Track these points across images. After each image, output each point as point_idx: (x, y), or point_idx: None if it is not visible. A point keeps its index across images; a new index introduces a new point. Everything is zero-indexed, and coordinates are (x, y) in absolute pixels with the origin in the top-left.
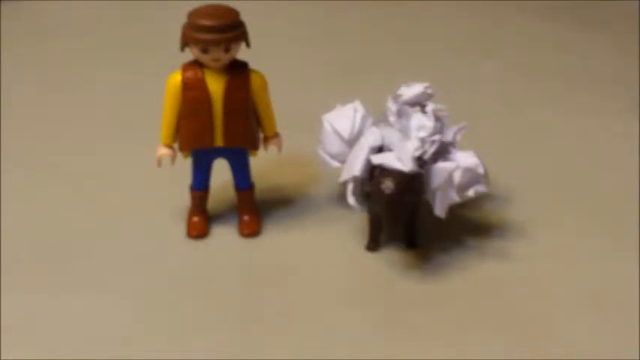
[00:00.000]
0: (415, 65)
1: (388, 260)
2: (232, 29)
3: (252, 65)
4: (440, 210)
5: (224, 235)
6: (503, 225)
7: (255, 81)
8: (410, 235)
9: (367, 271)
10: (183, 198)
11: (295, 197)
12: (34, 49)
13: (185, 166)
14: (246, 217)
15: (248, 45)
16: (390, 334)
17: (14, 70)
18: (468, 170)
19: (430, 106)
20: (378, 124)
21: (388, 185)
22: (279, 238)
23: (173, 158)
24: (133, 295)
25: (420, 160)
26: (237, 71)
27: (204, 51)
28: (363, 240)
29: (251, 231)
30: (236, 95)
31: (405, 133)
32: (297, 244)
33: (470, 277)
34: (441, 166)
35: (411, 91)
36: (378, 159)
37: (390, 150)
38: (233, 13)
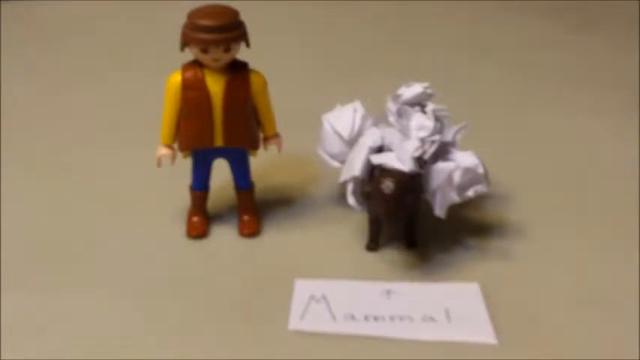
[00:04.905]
0: (415, 65)
1: (388, 260)
2: (232, 29)
3: (252, 65)
4: (440, 210)
5: (224, 235)
6: (503, 225)
7: (255, 81)
8: (410, 235)
9: (367, 271)
10: (183, 198)
11: (295, 197)
12: (34, 50)
13: (185, 166)
14: (246, 217)
15: (248, 45)
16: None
17: (14, 70)
18: (467, 170)
19: (430, 106)
20: (378, 124)
21: (388, 185)
22: (279, 238)
23: (173, 158)
24: (133, 295)
25: (420, 160)
26: (237, 71)
27: (204, 51)
28: (363, 240)
29: (251, 231)
30: (236, 95)
31: (405, 133)
32: (297, 244)
33: (470, 277)
34: (441, 166)
35: (411, 91)
36: (378, 159)
37: (390, 150)
38: (233, 13)
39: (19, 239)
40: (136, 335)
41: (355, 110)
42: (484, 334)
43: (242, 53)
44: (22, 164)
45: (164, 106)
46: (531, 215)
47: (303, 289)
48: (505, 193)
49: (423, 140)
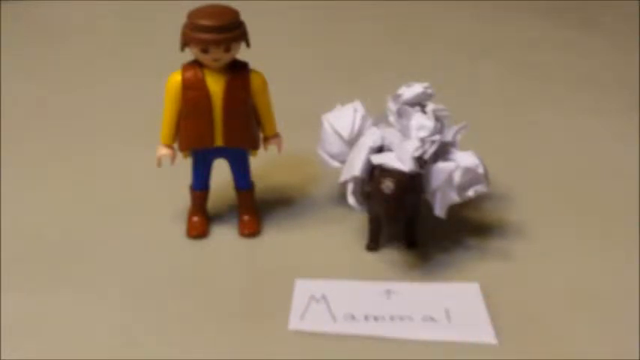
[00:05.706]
0: (415, 65)
1: (388, 260)
2: (232, 29)
3: (252, 65)
4: (440, 210)
5: (224, 235)
6: (503, 225)
7: (255, 81)
8: (410, 235)
9: (367, 271)
10: (183, 198)
11: (295, 197)
12: (34, 49)
13: (185, 166)
14: (246, 217)
15: (248, 45)
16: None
17: (14, 70)
18: (468, 170)
19: (430, 106)
20: (378, 124)
21: (388, 185)
22: (279, 238)
23: (173, 158)
24: (133, 294)
25: (420, 160)
26: (237, 71)
27: (205, 51)
28: (363, 240)
29: (251, 231)
30: (236, 95)
31: (405, 133)
32: (298, 244)
33: (470, 277)
34: (441, 166)
35: (411, 91)
36: (378, 159)
37: (390, 150)
38: (233, 13)
39: (19, 239)
40: (135, 335)
41: (355, 110)
42: (484, 334)
43: (242, 53)
44: (22, 164)
45: (164, 106)
46: (531, 215)
47: (303, 289)
48: (505, 193)
49: (423, 140)
